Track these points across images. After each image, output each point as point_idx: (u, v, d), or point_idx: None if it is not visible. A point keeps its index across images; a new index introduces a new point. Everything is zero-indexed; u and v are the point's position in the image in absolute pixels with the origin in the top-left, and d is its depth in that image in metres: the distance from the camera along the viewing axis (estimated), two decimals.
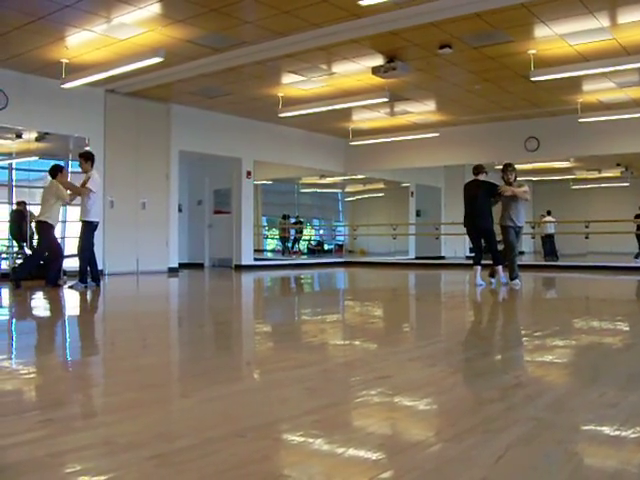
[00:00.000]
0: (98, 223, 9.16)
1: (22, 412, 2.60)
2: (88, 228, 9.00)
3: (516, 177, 9.25)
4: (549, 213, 18.70)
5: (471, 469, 1.91)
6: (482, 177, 9.24)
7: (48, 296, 8.02)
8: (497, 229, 9.32)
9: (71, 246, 9.78)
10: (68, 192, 8.97)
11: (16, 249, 11.43)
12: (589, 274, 13.19)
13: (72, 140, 11.84)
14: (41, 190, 9.41)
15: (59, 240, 9.55)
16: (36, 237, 9.70)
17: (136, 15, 8.07)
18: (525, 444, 2.12)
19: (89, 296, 8.09)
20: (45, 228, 8.93)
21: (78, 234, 9.10)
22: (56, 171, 9.05)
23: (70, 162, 11.89)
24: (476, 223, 9.20)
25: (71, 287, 8.85)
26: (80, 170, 9.15)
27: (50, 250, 9.11)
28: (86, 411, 2.71)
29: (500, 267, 9.29)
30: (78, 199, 9.07)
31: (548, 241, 18.66)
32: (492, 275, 9.57)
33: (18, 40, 8.97)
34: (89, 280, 9.07)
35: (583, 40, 8.95)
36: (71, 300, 7.72)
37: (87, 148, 11.24)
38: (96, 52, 9.50)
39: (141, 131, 12.58)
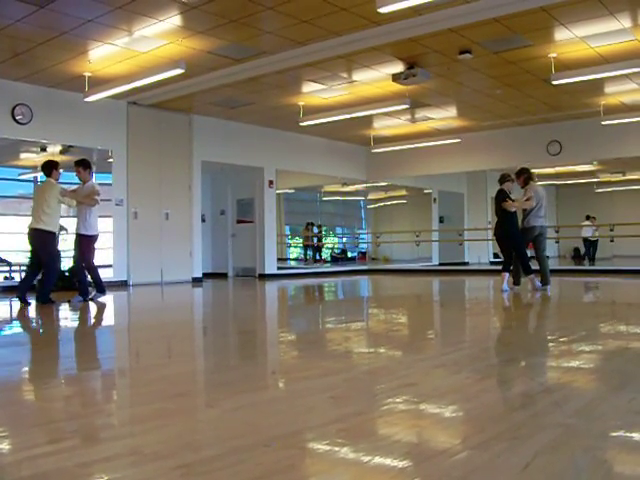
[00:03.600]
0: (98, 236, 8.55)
1: (50, 422, 2.63)
2: (92, 242, 8.33)
3: (526, 180, 9.17)
4: (587, 218, 19.44)
5: (498, 477, 1.90)
6: (505, 186, 9.17)
7: (69, 308, 8.07)
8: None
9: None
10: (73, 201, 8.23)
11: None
12: (615, 278, 13.04)
13: (96, 152, 11.94)
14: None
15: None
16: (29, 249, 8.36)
17: (157, 28, 8.15)
18: (553, 451, 2.10)
19: (115, 308, 8.15)
20: (49, 237, 7.92)
21: (74, 247, 8.37)
22: (51, 168, 8.14)
23: (94, 174, 11.90)
24: (497, 232, 9.34)
25: (80, 301, 8.31)
26: (78, 179, 8.63)
27: (49, 262, 7.98)
28: (113, 421, 2.73)
29: (530, 275, 9.13)
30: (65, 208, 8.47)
31: (586, 245, 20.22)
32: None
33: (42, 55, 9.10)
34: (77, 294, 8.39)
35: (604, 42, 8.87)
36: (95, 311, 7.78)
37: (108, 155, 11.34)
38: (118, 65, 9.60)
39: (163, 142, 12.67)
